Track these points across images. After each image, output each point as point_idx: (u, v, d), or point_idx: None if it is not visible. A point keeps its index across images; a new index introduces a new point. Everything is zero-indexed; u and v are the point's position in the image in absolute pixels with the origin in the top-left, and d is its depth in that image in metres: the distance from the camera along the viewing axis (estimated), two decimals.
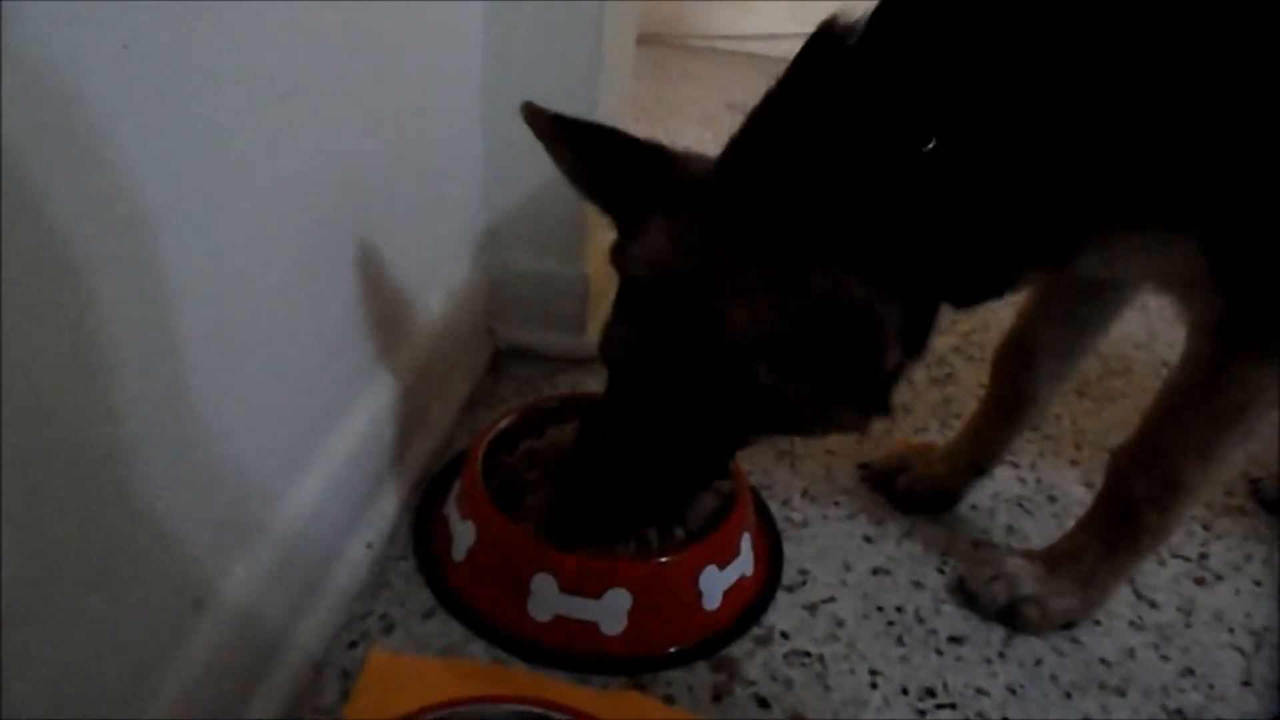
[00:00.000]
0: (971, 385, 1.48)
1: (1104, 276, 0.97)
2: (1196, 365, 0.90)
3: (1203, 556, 1.17)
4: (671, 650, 0.92)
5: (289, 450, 0.85)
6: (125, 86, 0.56)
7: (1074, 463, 1.32)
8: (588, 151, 0.88)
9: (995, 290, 0.87)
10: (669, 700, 0.88)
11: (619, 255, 0.89)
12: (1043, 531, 1.17)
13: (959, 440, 1.20)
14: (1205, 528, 1.22)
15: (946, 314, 0.86)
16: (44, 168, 0.50)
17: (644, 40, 1.46)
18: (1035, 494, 1.25)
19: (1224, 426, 0.89)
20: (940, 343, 1.60)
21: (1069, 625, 1.02)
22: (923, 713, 0.91)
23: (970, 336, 1.63)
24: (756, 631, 0.96)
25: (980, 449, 1.18)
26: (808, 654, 0.95)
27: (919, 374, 1.49)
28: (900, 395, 1.38)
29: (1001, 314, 1.71)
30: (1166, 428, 0.93)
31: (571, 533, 0.91)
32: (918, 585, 1.06)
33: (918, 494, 1.19)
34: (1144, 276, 0.94)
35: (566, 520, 0.91)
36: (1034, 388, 1.12)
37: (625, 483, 0.88)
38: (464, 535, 0.95)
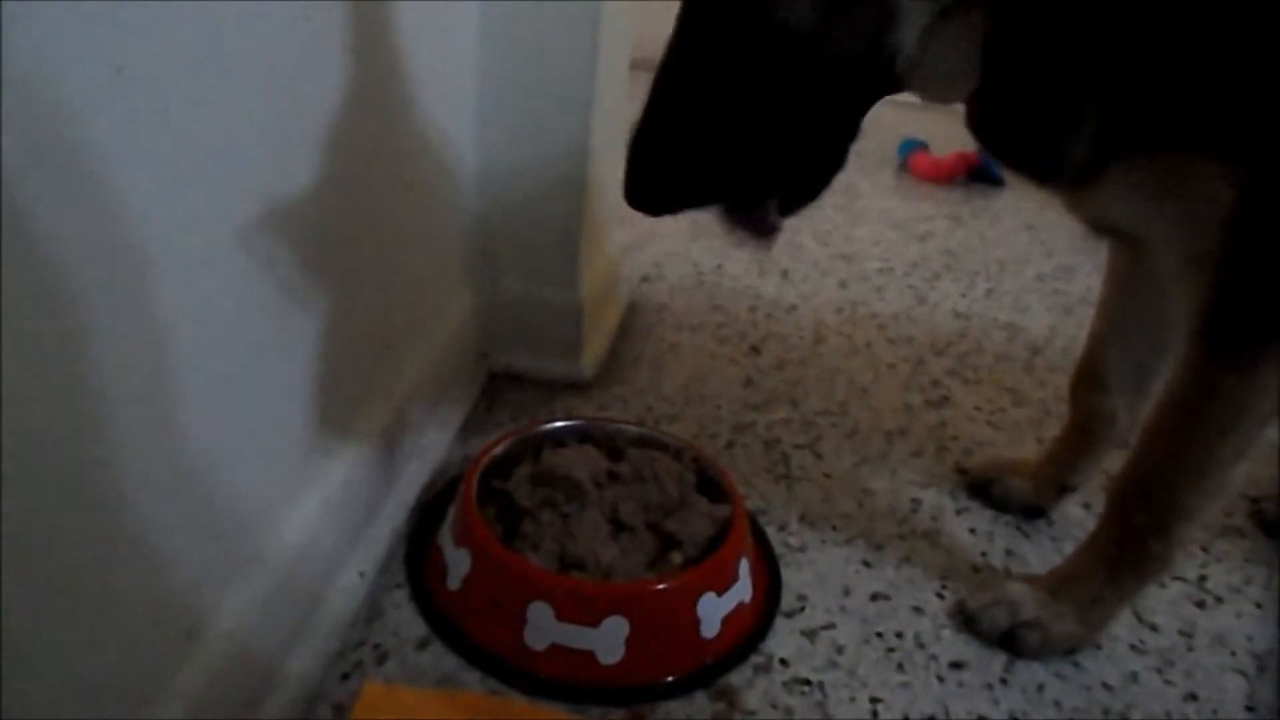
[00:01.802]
0: (967, 408, 1.47)
1: (1118, 222, 0.92)
2: (1187, 382, 0.89)
3: (1202, 579, 1.16)
4: (670, 679, 0.90)
5: (281, 479, 0.84)
6: (119, 110, 0.55)
7: None
8: None
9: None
10: None
11: None
12: (1042, 555, 1.17)
13: (1046, 461, 1.23)
14: (1204, 549, 1.21)
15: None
16: (36, 194, 0.49)
17: (638, 66, 1.46)
18: None
19: (1217, 446, 0.89)
20: (935, 365, 1.59)
21: (1071, 651, 1.01)
22: None
23: (966, 359, 1.63)
24: (755, 659, 0.95)
25: (1065, 471, 1.22)
26: (808, 682, 0.94)
27: (915, 397, 1.49)
28: (896, 419, 1.41)
29: (996, 337, 1.72)
30: (1161, 451, 0.93)
31: (650, 193, 0.79)
32: (918, 610, 1.05)
33: (1009, 504, 1.24)
34: (1155, 227, 0.88)
35: (644, 178, 0.78)
36: (1110, 410, 1.15)
37: (704, 137, 0.75)
38: (459, 563, 0.94)
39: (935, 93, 0.82)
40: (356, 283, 0.94)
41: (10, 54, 0.46)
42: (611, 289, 1.55)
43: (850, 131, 0.79)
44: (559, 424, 1.11)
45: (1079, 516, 1.24)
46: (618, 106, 1.41)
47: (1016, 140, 0.84)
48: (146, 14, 0.56)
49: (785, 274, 1.91)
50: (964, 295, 1.90)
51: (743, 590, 0.96)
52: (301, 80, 0.77)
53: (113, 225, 0.56)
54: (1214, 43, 0.73)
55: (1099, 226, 0.96)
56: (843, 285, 1.89)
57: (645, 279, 1.80)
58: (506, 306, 1.37)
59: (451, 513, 1.00)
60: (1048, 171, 0.85)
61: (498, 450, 1.05)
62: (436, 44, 1.08)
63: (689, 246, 1.97)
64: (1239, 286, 0.82)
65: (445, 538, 0.98)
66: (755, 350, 1.58)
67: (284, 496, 0.84)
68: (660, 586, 0.91)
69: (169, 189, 0.61)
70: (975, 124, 0.86)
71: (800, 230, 2.15)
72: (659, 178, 0.76)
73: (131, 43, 0.55)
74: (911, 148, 2.67)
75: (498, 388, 1.38)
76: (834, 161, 0.82)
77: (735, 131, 0.75)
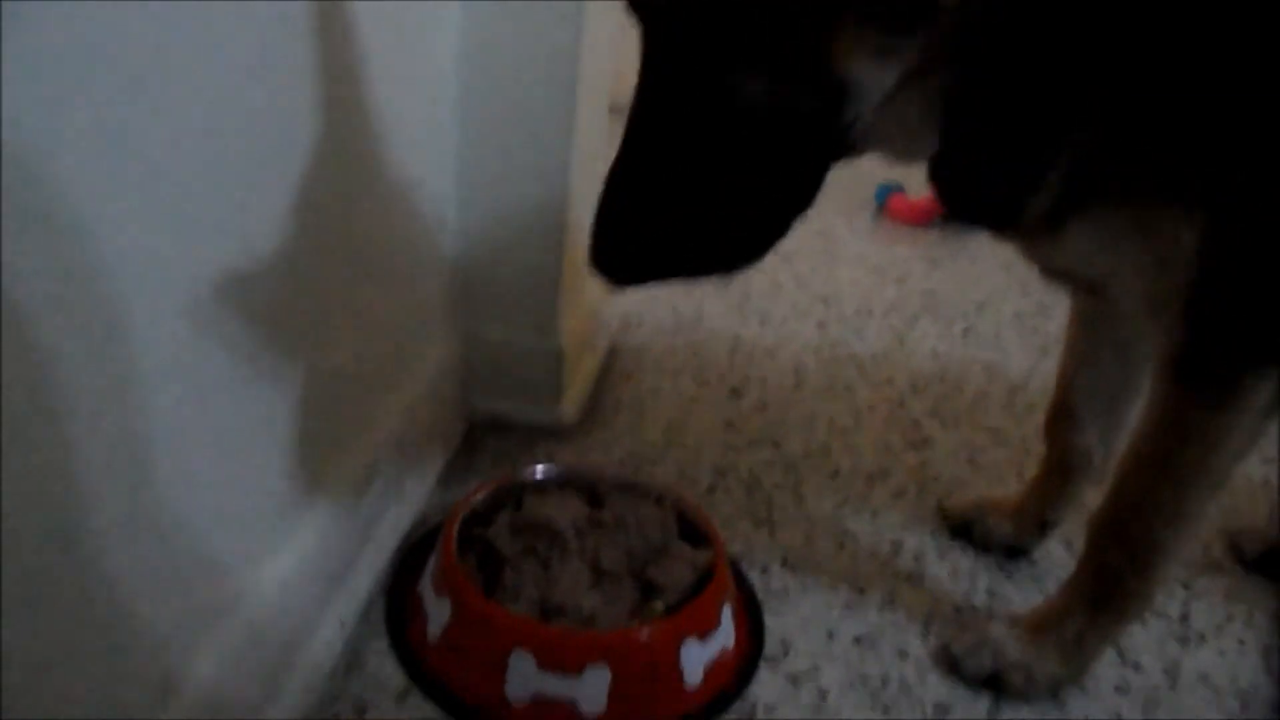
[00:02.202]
0: (948, 448, 1.48)
1: (1082, 269, 0.93)
2: (1159, 419, 0.90)
3: (1184, 617, 1.16)
4: None
5: (258, 529, 0.84)
6: (99, 170, 0.56)
7: None
8: None
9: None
10: None
11: None
12: (1025, 595, 1.17)
13: (1026, 499, 1.24)
14: (1185, 586, 1.21)
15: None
16: (13, 252, 0.49)
17: (617, 110, 1.48)
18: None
19: (1192, 482, 0.90)
20: (915, 405, 1.60)
21: (1056, 692, 1.00)
22: None
23: (945, 399, 1.64)
24: (739, 706, 0.94)
25: (1044, 509, 1.22)
26: None
27: (895, 438, 1.49)
28: (877, 460, 1.41)
29: (975, 376, 1.73)
30: (1136, 489, 0.93)
31: (615, 259, 0.77)
32: (901, 654, 1.04)
33: (991, 545, 1.24)
34: (1117, 274, 0.89)
35: (608, 246, 0.76)
36: (1085, 447, 1.15)
37: (675, 198, 0.74)
38: (439, 613, 0.93)
39: (896, 155, 0.83)
40: (334, 331, 0.94)
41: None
42: (591, 334, 1.56)
43: (802, 202, 0.78)
44: (540, 470, 1.11)
45: (1061, 555, 1.24)
46: (596, 151, 1.42)
47: (977, 194, 0.86)
48: (123, 78, 0.57)
49: (765, 316, 1.92)
50: (942, 336, 1.92)
51: (725, 637, 0.96)
52: (277, 128, 0.78)
53: (86, 280, 0.56)
54: (1178, 97, 0.75)
55: (1054, 272, 0.98)
56: (822, 327, 1.90)
57: (625, 323, 1.80)
58: (486, 352, 1.37)
59: (432, 562, 0.99)
60: (1006, 221, 0.86)
61: (478, 498, 1.04)
62: (414, 90, 1.09)
63: (667, 291, 1.98)
64: (1206, 326, 0.83)
65: (426, 587, 0.97)
66: (736, 393, 1.59)
67: (261, 547, 0.84)
68: (643, 634, 0.90)
69: (142, 244, 0.61)
70: (934, 177, 0.87)
71: (779, 273, 2.16)
72: (622, 249, 0.75)
73: (114, 104, 0.56)
74: (888, 191, 2.70)
75: (478, 434, 1.38)
76: (779, 230, 0.80)
77: (693, 203, 0.74)
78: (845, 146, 0.76)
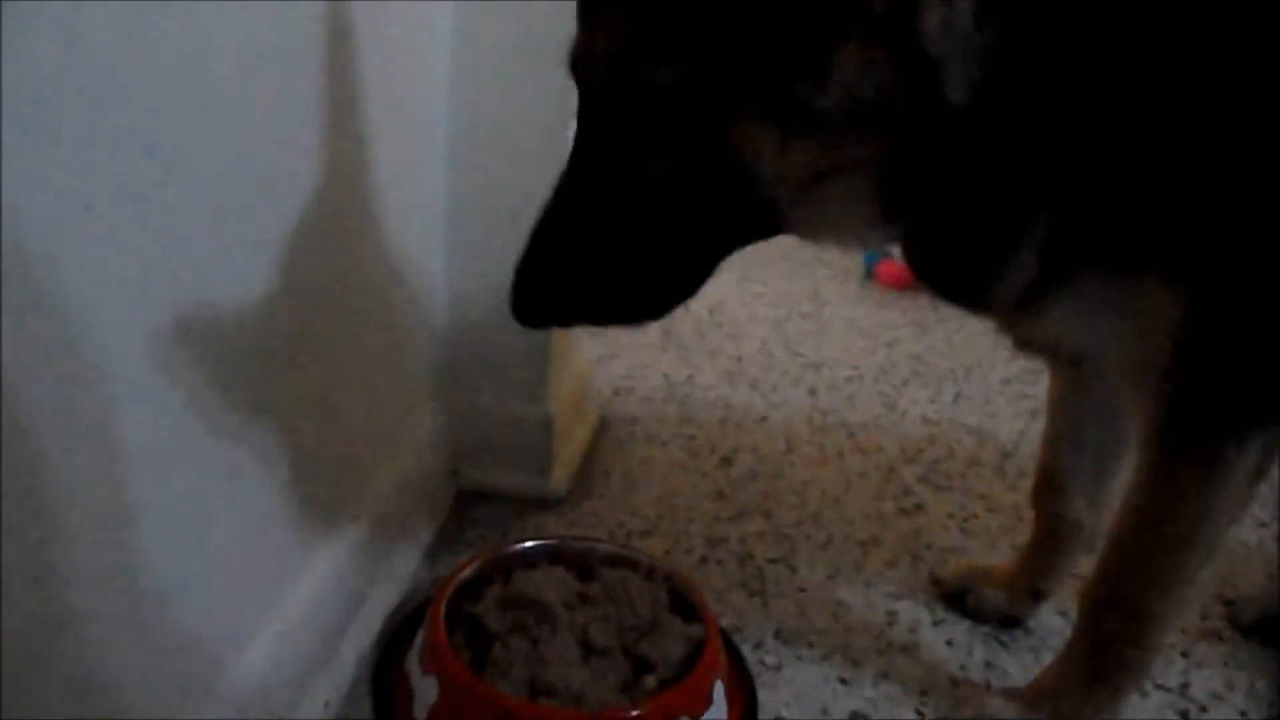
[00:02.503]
0: (940, 515, 1.47)
1: (1062, 342, 0.92)
2: (1147, 487, 0.90)
3: (1184, 686, 1.14)
4: None
5: (243, 607, 0.83)
6: (87, 247, 0.56)
7: None
8: None
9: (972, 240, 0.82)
10: None
11: None
12: (1021, 665, 1.15)
13: (1017, 569, 1.22)
14: (1184, 655, 1.20)
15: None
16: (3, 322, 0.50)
17: None
18: None
19: (1183, 549, 0.89)
20: (906, 472, 1.60)
21: None
22: None
23: (936, 466, 1.63)
24: None
25: (1037, 578, 1.21)
26: None
27: (887, 505, 1.48)
28: (869, 528, 1.40)
29: (966, 441, 1.73)
30: (1127, 558, 0.93)
31: (532, 306, 0.80)
32: None
33: (985, 614, 1.22)
34: (1097, 346, 0.89)
35: (528, 291, 0.80)
36: (1074, 515, 1.15)
37: (590, 254, 0.78)
38: (426, 692, 0.91)
39: (831, 241, 0.84)
40: (322, 401, 0.94)
41: None
42: (582, 403, 1.55)
43: (706, 268, 0.82)
44: (529, 544, 1.09)
45: (1058, 625, 1.22)
46: None
47: (942, 277, 0.86)
48: (113, 156, 0.57)
49: (755, 383, 1.92)
50: (932, 401, 1.92)
51: (718, 714, 0.94)
52: (266, 198, 0.79)
53: (74, 353, 0.57)
54: (1154, 171, 0.75)
55: (1031, 345, 0.98)
56: (812, 393, 1.90)
57: (616, 392, 1.80)
58: (476, 422, 1.36)
59: (419, 639, 0.98)
60: (975, 301, 0.87)
61: (466, 573, 1.03)
62: (404, 161, 1.10)
63: (659, 358, 1.99)
64: (1188, 393, 0.83)
65: (413, 664, 0.96)
66: (727, 462, 1.58)
67: (245, 626, 0.83)
68: (633, 713, 0.89)
69: (131, 316, 0.62)
70: (905, 256, 0.88)
71: (770, 339, 2.17)
72: (537, 295, 0.79)
73: (101, 181, 0.57)
74: (876, 256, 2.72)
75: (468, 505, 1.37)
76: (685, 292, 0.83)
77: (609, 254, 0.78)
78: (762, 226, 0.79)
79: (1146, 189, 0.76)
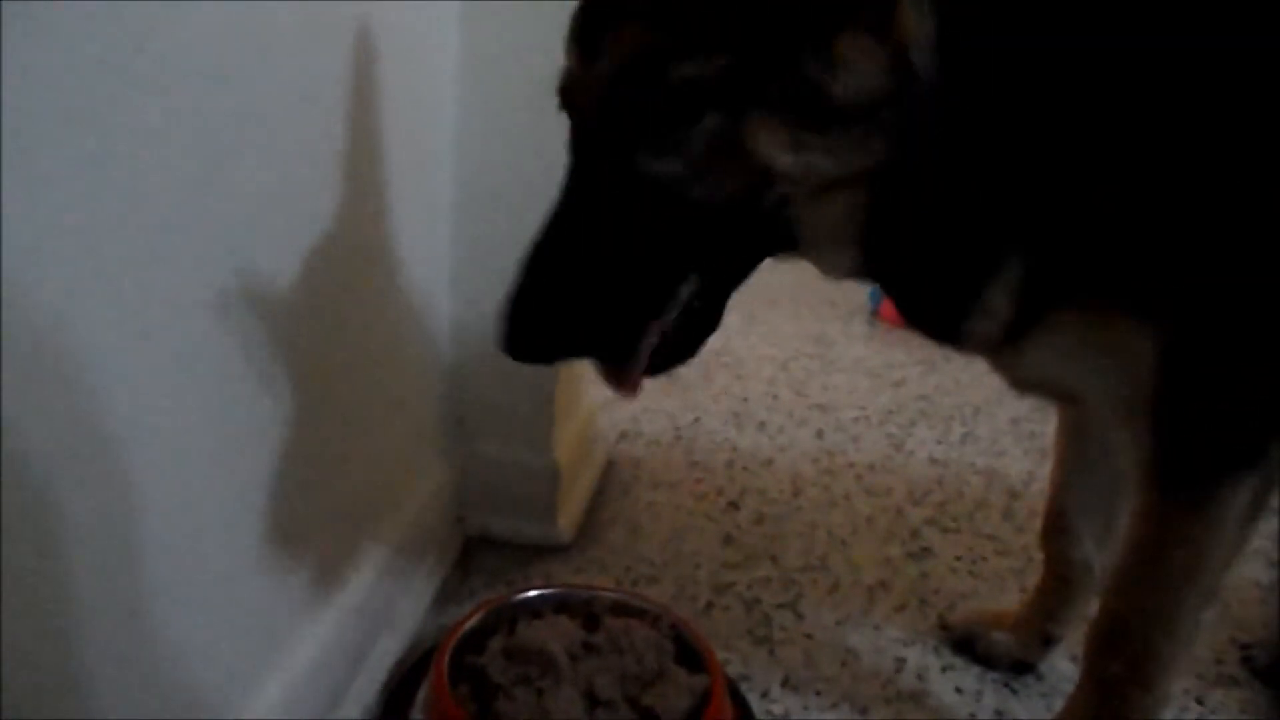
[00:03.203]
0: (948, 558, 1.46)
1: (1051, 377, 0.92)
2: (1143, 527, 0.89)
3: None
4: None
5: (248, 658, 0.82)
6: (95, 309, 0.57)
7: None
8: None
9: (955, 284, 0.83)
10: None
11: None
12: (1032, 713, 1.14)
13: (1027, 613, 1.21)
14: (1199, 701, 1.18)
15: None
16: (12, 381, 0.50)
17: None
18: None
19: (1183, 589, 0.88)
20: (913, 515, 1.59)
21: None
22: None
23: (944, 508, 1.62)
24: None
25: (1047, 622, 1.20)
26: None
27: (895, 549, 1.48)
28: (877, 572, 1.39)
29: (974, 482, 1.72)
30: (1128, 599, 0.92)
31: (524, 339, 0.77)
32: None
33: (995, 660, 1.21)
34: (1087, 381, 0.89)
35: (515, 327, 0.77)
36: (1083, 557, 1.14)
37: (577, 288, 0.76)
38: None
39: (826, 267, 0.84)
40: (329, 449, 0.94)
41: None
42: (587, 448, 1.55)
43: (726, 290, 0.81)
44: (533, 593, 1.09)
45: (1069, 670, 1.21)
46: None
47: (929, 311, 0.87)
48: (121, 207, 0.58)
49: (762, 425, 1.92)
50: (940, 442, 1.91)
51: None
52: (273, 252, 0.80)
53: (81, 403, 0.58)
54: (1127, 210, 0.76)
55: (1024, 384, 0.98)
56: (819, 435, 1.90)
57: (622, 436, 1.80)
58: (482, 469, 1.36)
59: (423, 690, 0.97)
60: (952, 339, 0.87)
61: (471, 623, 1.03)
62: (410, 213, 1.11)
63: (665, 400, 1.99)
64: (1175, 433, 0.83)
65: (417, 717, 0.95)
66: (734, 506, 1.58)
67: (249, 675, 0.82)
68: None
69: (138, 368, 0.62)
70: (890, 294, 0.88)
71: (776, 380, 2.17)
72: (532, 328, 0.77)
73: (108, 248, 0.58)
74: (882, 294, 2.73)
75: (474, 553, 1.36)
76: (708, 322, 0.83)
77: (606, 284, 0.76)
78: (775, 238, 0.79)
79: (1115, 230, 0.77)
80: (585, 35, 0.76)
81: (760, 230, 0.77)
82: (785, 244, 0.80)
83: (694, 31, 0.70)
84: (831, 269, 0.85)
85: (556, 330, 0.77)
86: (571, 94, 0.78)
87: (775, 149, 0.71)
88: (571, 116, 0.79)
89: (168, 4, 0.61)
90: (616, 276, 0.75)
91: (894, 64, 0.70)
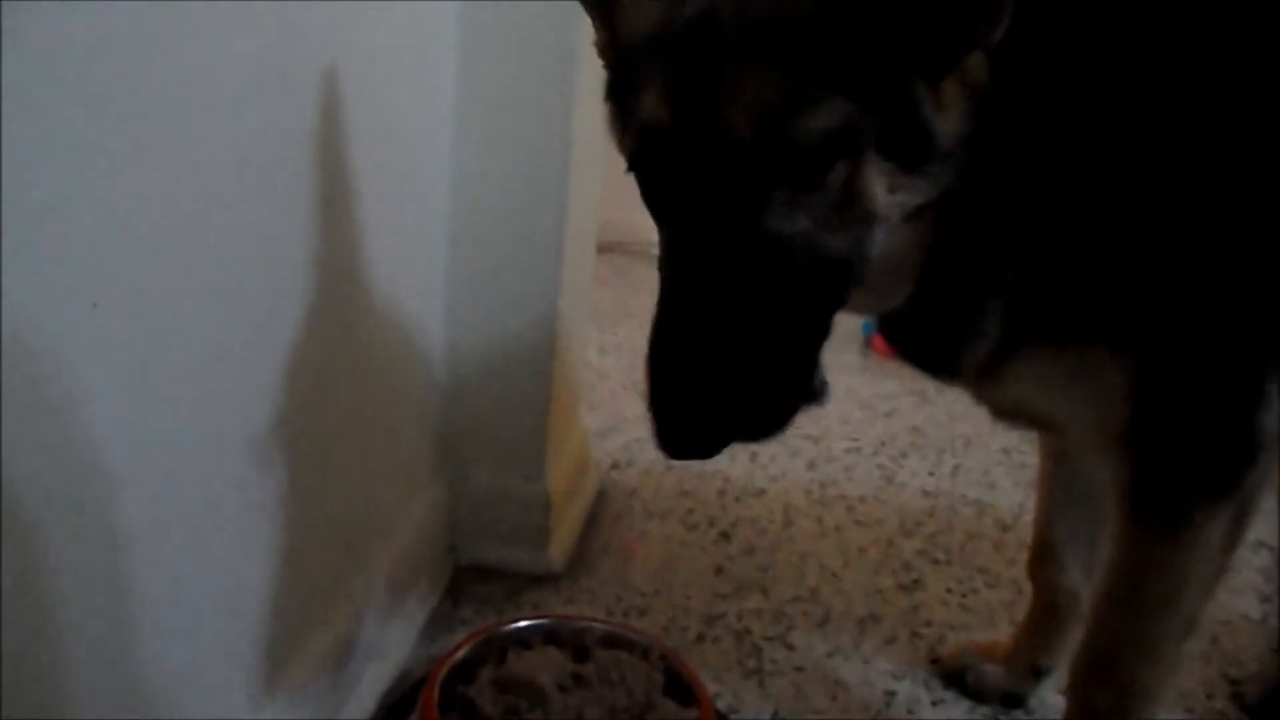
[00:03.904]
0: (939, 590, 1.46)
1: (1029, 407, 0.92)
2: (1122, 556, 0.90)
3: None
4: None
5: (239, 689, 0.82)
6: (92, 343, 0.58)
7: None
8: None
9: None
10: None
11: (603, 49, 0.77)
12: None
13: (1017, 644, 1.22)
14: None
15: None
16: (6, 421, 0.51)
17: (605, 249, 1.52)
18: None
19: (1164, 617, 0.89)
20: (904, 546, 1.59)
21: None
22: None
23: (936, 539, 1.63)
24: None
25: (1037, 653, 1.20)
26: None
27: (886, 580, 1.48)
28: (867, 604, 1.39)
29: (965, 514, 1.72)
30: (1108, 628, 0.93)
31: (681, 439, 0.72)
32: None
33: (985, 693, 1.21)
34: (1058, 414, 0.90)
35: (672, 427, 0.71)
36: (1070, 586, 1.15)
37: (723, 369, 0.69)
38: None
39: (875, 302, 0.84)
40: (322, 478, 0.94)
41: None
42: (580, 478, 1.56)
43: (823, 337, 0.77)
44: (523, 624, 1.09)
45: (1058, 703, 1.21)
46: (585, 293, 1.46)
47: (923, 343, 0.87)
48: (118, 253, 0.59)
49: (753, 455, 1.92)
50: (931, 473, 1.92)
51: None
52: (265, 282, 0.80)
53: (74, 443, 0.58)
54: (1100, 245, 0.78)
55: (1006, 414, 0.99)
56: (811, 466, 1.90)
57: (615, 465, 1.80)
58: (473, 498, 1.37)
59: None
60: (948, 370, 0.88)
61: (460, 654, 1.02)
62: (403, 238, 1.12)
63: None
64: (1149, 461, 0.85)
65: None
66: (725, 536, 1.58)
67: (240, 706, 0.82)
68: None
69: (134, 409, 0.63)
70: (883, 329, 0.89)
71: None
72: (694, 425, 0.71)
73: (106, 282, 0.58)
74: (873, 325, 2.73)
75: (465, 581, 1.36)
76: (812, 372, 0.77)
77: (755, 361, 0.70)
78: (857, 281, 0.75)
79: (1089, 264, 0.79)
80: (690, 86, 0.69)
81: (857, 275, 0.74)
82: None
83: (822, 78, 0.66)
84: (882, 304, 0.84)
85: (717, 422, 0.71)
86: (671, 152, 0.70)
87: (881, 190, 0.70)
88: (666, 178, 0.72)
89: (162, 34, 0.62)
90: (764, 351, 0.70)
91: (975, 107, 0.71)
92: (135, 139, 0.60)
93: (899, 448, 2.04)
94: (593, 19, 0.80)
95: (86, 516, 0.60)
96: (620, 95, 0.76)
